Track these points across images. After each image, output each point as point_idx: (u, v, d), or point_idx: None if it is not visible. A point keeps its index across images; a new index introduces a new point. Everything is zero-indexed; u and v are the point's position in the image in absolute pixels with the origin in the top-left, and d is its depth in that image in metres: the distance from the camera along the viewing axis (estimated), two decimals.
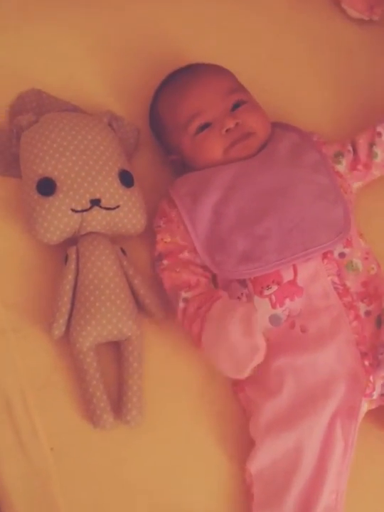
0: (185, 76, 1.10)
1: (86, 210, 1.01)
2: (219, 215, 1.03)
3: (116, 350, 1.04)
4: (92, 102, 1.16)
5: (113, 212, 1.03)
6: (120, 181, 1.03)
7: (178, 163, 1.12)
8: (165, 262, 1.04)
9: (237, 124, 1.05)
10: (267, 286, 1.00)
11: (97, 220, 1.02)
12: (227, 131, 1.05)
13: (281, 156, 1.08)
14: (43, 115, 1.09)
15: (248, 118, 1.06)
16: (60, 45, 1.21)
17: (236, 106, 1.07)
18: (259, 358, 0.91)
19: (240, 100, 1.07)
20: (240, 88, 1.10)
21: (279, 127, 1.12)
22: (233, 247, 1.00)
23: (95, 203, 1.01)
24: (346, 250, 1.01)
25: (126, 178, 1.05)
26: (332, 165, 1.09)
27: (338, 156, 1.10)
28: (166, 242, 1.05)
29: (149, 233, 1.08)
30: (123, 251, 1.07)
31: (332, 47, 1.25)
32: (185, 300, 1.00)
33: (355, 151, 1.10)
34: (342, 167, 1.09)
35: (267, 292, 1.00)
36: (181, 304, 1.00)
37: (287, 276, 1.00)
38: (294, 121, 1.14)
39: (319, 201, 1.02)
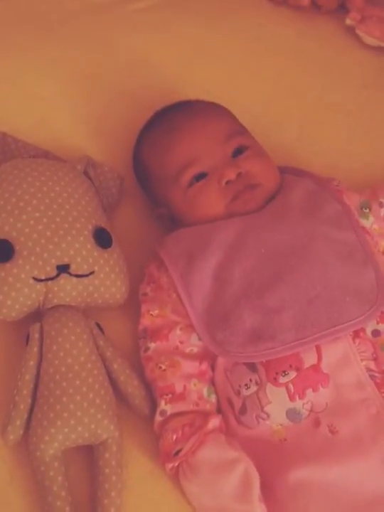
0: (175, 116, 0.95)
1: (52, 279, 0.86)
2: (221, 282, 0.86)
3: (89, 455, 0.83)
4: (66, 146, 1.05)
5: (86, 279, 0.87)
6: (95, 242, 0.89)
7: (166, 218, 0.96)
8: (150, 345, 0.87)
9: (239, 175, 0.90)
10: (283, 371, 0.81)
11: (66, 291, 0.87)
12: (227, 183, 0.90)
13: (295, 207, 0.90)
14: (5, 162, 0.95)
15: (252, 166, 0.91)
16: (30, 81, 1.10)
17: (237, 152, 0.93)
18: None
19: (242, 145, 0.93)
20: (241, 131, 0.96)
21: (290, 173, 0.97)
22: (239, 323, 0.83)
23: (63, 269, 0.86)
24: (381, 326, 0.83)
25: (102, 238, 0.90)
26: (357, 218, 0.91)
27: (364, 207, 0.93)
28: (153, 314, 0.90)
29: (133, 302, 0.92)
30: (99, 327, 0.90)
31: (346, 79, 1.15)
32: (164, 413, 0.83)
33: None
34: (368, 222, 0.92)
35: (283, 380, 0.81)
36: (158, 417, 0.84)
37: (309, 360, 0.81)
38: (307, 165, 1.01)
39: (345, 263, 0.85)
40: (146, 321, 0.89)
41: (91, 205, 0.92)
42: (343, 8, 1.16)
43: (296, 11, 1.16)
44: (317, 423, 0.80)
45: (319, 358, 0.80)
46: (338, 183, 0.96)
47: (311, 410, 0.80)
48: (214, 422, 0.81)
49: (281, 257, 0.85)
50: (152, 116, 0.99)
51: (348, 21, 1.14)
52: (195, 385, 0.84)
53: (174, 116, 0.95)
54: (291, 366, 0.80)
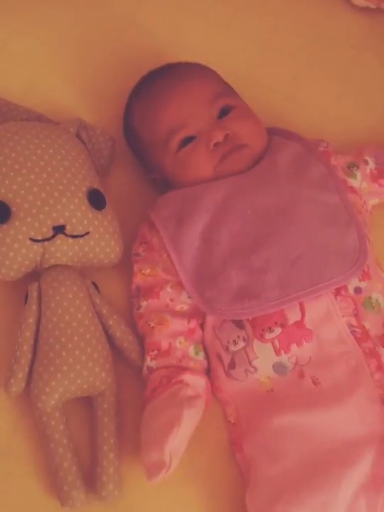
0: (161, 81, 0.96)
1: (48, 239, 0.88)
2: (209, 243, 0.88)
3: (88, 407, 0.88)
4: (58, 109, 1.04)
5: (81, 240, 0.89)
6: (89, 203, 0.90)
7: (160, 182, 0.98)
8: (142, 303, 0.91)
9: (226, 136, 0.91)
10: (269, 328, 0.85)
11: (62, 251, 0.89)
12: (215, 145, 0.91)
13: (282, 170, 0.92)
14: None
15: (239, 127, 0.92)
16: (20, 44, 1.09)
17: (223, 113, 0.93)
18: (162, 476, 0.79)
19: (228, 105, 0.93)
20: (227, 91, 0.96)
21: (278, 135, 0.98)
22: (227, 281, 0.86)
23: (59, 230, 0.88)
24: (363, 284, 0.87)
25: (96, 199, 0.91)
26: (344, 178, 0.94)
27: (352, 167, 0.95)
28: (144, 274, 0.92)
29: (127, 262, 0.95)
30: (95, 286, 0.93)
31: (335, 40, 1.13)
32: (149, 368, 0.87)
33: (376, 161, 0.96)
34: (356, 181, 0.95)
35: (269, 336, 0.85)
36: (145, 371, 0.88)
37: (293, 316, 0.85)
38: (295, 127, 1.01)
39: (328, 225, 0.87)
40: (138, 280, 0.92)
41: (84, 167, 0.93)
42: None
43: None
44: (301, 375, 0.84)
45: (303, 315, 0.84)
46: (327, 145, 0.97)
47: (295, 363, 0.84)
48: (188, 377, 0.84)
49: (267, 219, 0.87)
50: (138, 82, 0.99)
51: None
52: (180, 343, 0.88)
53: (159, 81, 0.95)
54: (276, 323, 0.84)
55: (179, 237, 0.89)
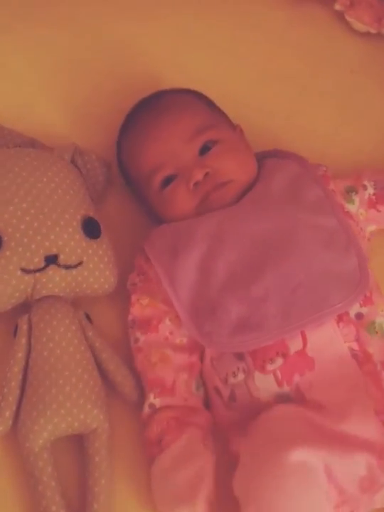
0: (145, 115, 0.93)
1: (40, 270, 0.85)
2: (205, 274, 0.85)
3: (79, 445, 0.84)
4: (52, 134, 1.02)
5: (74, 270, 0.87)
6: (83, 232, 0.88)
7: (152, 213, 0.96)
8: (140, 336, 0.87)
9: (207, 174, 0.88)
10: (270, 359, 0.81)
11: (55, 282, 0.86)
12: (195, 184, 0.88)
13: (276, 194, 0.90)
14: None
15: (222, 164, 0.89)
16: (15, 65, 1.07)
17: (205, 149, 0.90)
18: None
19: (211, 140, 0.90)
20: (211, 123, 0.92)
21: (275, 156, 0.96)
22: (225, 313, 0.83)
23: (51, 260, 0.85)
24: (365, 309, 0.84)
25: (91, 227, 0.89)
26: (341, 203, 0.91)
27: (351, 192, 0.93)
28: (143, 304, 0.89)
29: (122, 291, 0.91)
30: (88, 317, 0.90)
31: (335, 64, 1.12)
32: (152, 406, 0.83)
33: (375, 186, 0.93)
34: (353, 206, 0.92)
35: (270, 367, 0.81)
36: (147, 409, 0.83)
37: (295, 345, 0.81)
38: (295, 151, 0.98)
39: (327, 250, 0.84)
40: (135, 311, 0.88)
41: (79, 195, 0.91)
42: None
43: None
44: (303, 400, 0.80)
45: (304, 344, 0.81)
46: (326, 170, 0.94)
47: (297, 390, 0.80)
48: (199, 418, 0.82)
49: (264, 247, 0.84)
50: (128, 113, 0.97)
51: (337, 6, 1.11)
52: (184, 379, 0.84)
53: (144, 114, 0.93)
54: (277, 353, 0.80)
55: (174, 269, 0.86)
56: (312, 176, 0.91)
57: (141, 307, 0.88)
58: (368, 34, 1.11)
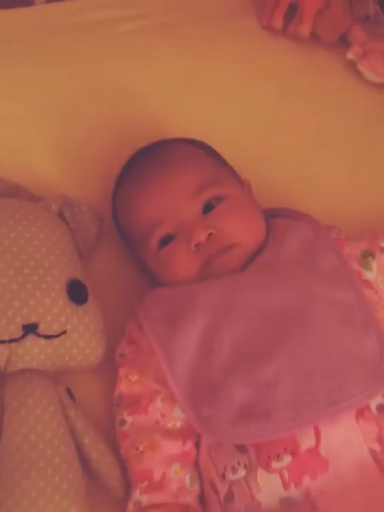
0: (143, 168, 0.86)
1: (17, 340, 0.76)
2: (207, 351, 0.76)
3: None
4: (41, 180, 0.96)
5: (56, 340, 0.78)
6: (68, 296, 0.79)
7: (148, 274, 0.87)
8: (127, 418, 0.78)
9: (210, 235, 0.80)
10: (277, 455, 0.71)
11: (33, 354, 0.77)
12: (196, 246, 0.80)
13: (288, 261, 0.81)
14: None
15: (227, 224, 0.81)
16: (3, 105, 1.00)
17: (209, 207, 0.82)
18: None
19: (215, 197, 0.82)
20: (216, 179, 0.84)
21: (285, 216, 0.88)
22: (228, 398, 0.73)
23: (30, 329, 0.77)
24: None
25: (77, 292, 0.81)
26: (358, 270, 0.82)
27: (367, 257, 0.84)
28: (131, 380, 0.80)
29: (111, 358, 0.83)
30: (70, 393, 0.81)
31: (346, 116, 1.06)
32: (138, 504, 0.73)
33: None
34: (371, 273, 0.83)
35: (276, 465, 0.71)
36: (131, 507, 0.74)
37: (306, 442, 0.71)
38: (305, 206, 0.93)
39: (345, 328, 0.75)
40: (123, 387, 0.80)
41: (65, 254, 0.83)
42: (344, 41, 1.06)
43: (295, 41, 1.07)
44: (313, 507, 0.70)
45: (318, 441, 0.71)
46: (339, 232, 0.86)
47: (306, 495, 0.70)
48: None
49: (275, 323, 0.75)
50: (124, 165, 0.90)
51: (350, 56, 1.05)
52: (176, 472, 0.74)
53: (141, 167, 0.86)
54: (286, 449, 0.71)
55: (171, 341, 0.77)
56: (326, 242, 0.83)
57: (129, 384, 0.80)
58: (381, 85, 1.05)
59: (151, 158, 0.86)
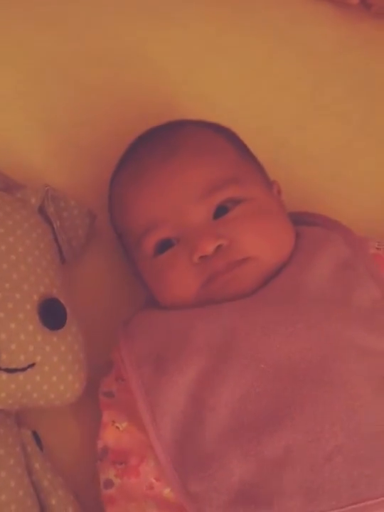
0: (146, 154, 0.74)
1: None
2: (200, 406, 0.63)
3: None
4: (23, 166, 0.86)
5: (21, 375, 0.67)
6: (39, 319, 0.69)
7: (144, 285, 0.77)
8: (114, 479, 0.66)
9: (219, 248, 0.67)
10: None
11: None
12: (201, 258, 0.67)
13: (317, 288, 0.67)
14: None
15: (241, 233, 0.68)
16: None
17: (222, 210, 0.70)
18: None
19: (230, 199, 0.70)
20: (236, 177, 0.72)
21: (316, 223, 0.75)
22: (224, 472, 0.61)
23: None
24: None
25: (52, 314, 0.70)
26: None
27: None
28: (119, 428, 0.68)
29: (93, 392, 0.73)
30: (36, 439, 0.71)
31: None
32: None
33: None
34: None
35: None
36: None
37: None
38: (338, 216, 0.80)
39: (380, 397, 0.61)
40: (108, 437, 0.68)
41: (41, 264, 0.72)
42: None
43: (339, 8, 0.94)
44: None
45: None
46: (378, 246, 0.72)
47: None
48: None
49: (288, 380, 0.62)
50: (126, 149, 0.79)
51: None
52: None
53: (148, 154, 0.74)
54: None
55: (158, 390, 0.64)
56: (366, 265, 0.68)
57: (116, 433, 0.67)
58: None
59: (157, 144, 0.74)
